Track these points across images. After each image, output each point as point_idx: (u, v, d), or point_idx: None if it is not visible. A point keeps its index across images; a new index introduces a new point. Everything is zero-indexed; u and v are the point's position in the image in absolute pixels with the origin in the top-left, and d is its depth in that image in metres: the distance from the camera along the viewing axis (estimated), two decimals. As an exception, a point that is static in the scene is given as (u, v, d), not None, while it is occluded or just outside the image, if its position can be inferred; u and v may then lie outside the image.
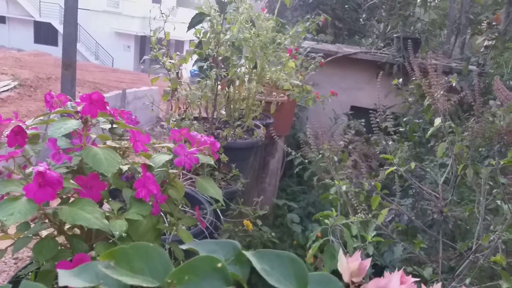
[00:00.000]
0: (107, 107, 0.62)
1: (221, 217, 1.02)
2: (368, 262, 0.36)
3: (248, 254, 0.36)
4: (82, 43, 16.60)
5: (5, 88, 7.52)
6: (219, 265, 0.32)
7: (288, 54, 2.41)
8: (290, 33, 2.08)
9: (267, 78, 1.79)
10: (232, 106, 1.40)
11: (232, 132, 1.33)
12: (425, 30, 3.70)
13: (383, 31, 5.02)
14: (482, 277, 0.97)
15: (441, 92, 1.22)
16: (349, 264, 0.35)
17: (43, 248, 0.55)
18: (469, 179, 1.20)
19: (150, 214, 0.66)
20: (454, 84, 1.29)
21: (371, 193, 1.10)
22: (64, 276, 0.31)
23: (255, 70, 1.35)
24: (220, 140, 1.27)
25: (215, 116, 1.27)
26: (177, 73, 1.20)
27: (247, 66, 1.31)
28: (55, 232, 0.59)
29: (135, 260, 0.32)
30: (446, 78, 1.50)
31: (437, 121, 1.15)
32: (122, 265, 0.32)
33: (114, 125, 0.68)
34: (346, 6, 7.18)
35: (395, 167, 1.12)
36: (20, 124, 0.62)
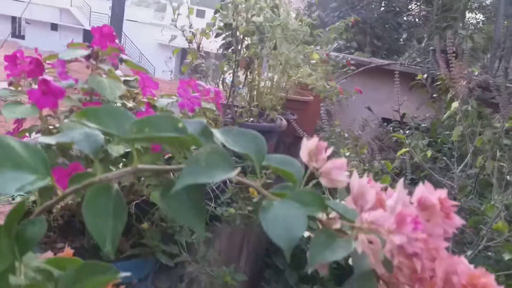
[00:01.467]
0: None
1: (228, 182, 1.04)
2: (325, 144, 0.37)
3: (214, 130, 0.37)
4: (126, 52, 17.30)
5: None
6: (180, 125, 0.34)
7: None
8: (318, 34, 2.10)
9: (291, 74, 1.81)
10: (251, 88, 1.43)
11: (249, 113, 1.35)
12: (463, 44, 3.62)
13: (421, 46, 4.96)
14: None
15: (463, 83, 1.20)
16: (307, 144, 0.36)
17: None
18: (488, 172, 1.16)
19: (150, 150, 0.69)
20: (476, 73, 1.26)
21: (381, 176, 1.09)
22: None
23: (274, 51, 1.38)
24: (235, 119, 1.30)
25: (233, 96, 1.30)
26: (198, 46, 1.24)
27: (268, 47, 1.34)
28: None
29: (105, 118, 0.35)
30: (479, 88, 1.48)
31: (454, 104, 1.12)
32: (93, 120, 0.35)
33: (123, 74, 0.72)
34: (386, 26, 7.13)
35: (407, 149, 1.11)
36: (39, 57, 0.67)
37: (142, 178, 0.77)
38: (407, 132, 1.41)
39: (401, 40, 7.79)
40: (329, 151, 0.37)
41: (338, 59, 2.91)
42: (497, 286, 0.33)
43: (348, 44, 4.79)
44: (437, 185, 1.43)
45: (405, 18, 7.67)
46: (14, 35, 18.51)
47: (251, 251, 2.39)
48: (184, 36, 1.24)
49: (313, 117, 2.70)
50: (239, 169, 0.33)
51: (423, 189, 0.36)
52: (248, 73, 1.37)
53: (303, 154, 0.37)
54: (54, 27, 19.06)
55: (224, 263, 1.04)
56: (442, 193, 0.37)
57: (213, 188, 1.01)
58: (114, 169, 0.66)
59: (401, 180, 0.37)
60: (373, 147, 1.29)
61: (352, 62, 3.35)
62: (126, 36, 14.91)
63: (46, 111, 0.58)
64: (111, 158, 0.62)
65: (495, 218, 0.79)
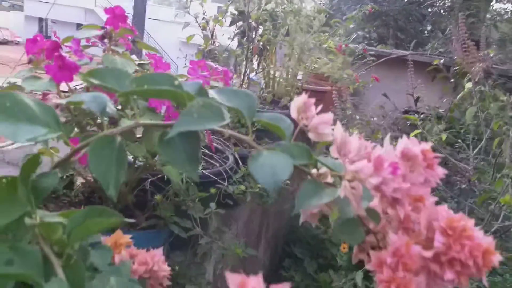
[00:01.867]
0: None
1: (240, 163, 1.07)
2: (313, 100, 0.39)
3: (209, 90, 0.40)
4: (149, 50, 17.58)
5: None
6: (176, 82, 0.37)
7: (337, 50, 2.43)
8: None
9: (307, 63, 1.82)
10: (265, 75, 1.45)
11: (262, 99, 1.38)
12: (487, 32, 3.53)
13: (444, 36, 4.86)
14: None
15: (478, 64, 1.19)
16: (296, 101, 0.39)
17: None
18: (505, 154, 1.15)
19: (150, 110, 0.73)
20: (492, 55, 1.24)
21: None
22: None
23: (287, 38, 1.39)
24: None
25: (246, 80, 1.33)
26: (212, 33, 1.28)
27: (281, 34, 1.36)
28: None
29: (109, 78, 0.38)
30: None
31: (468, 85, 1.12)
32: (97, 78, 0.38)
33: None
34: (410, 18, 6.99)
35: (420, 130, 1.11)
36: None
37: (157, 157, 0.81)
38: (422, 116, 1.40)
39: (425, 32, 7.62)
40: (318, 109, 0.39)
41: (357, 50, 2.89)
42: (475, 228, 0.35)
43: (368, 35, 4.75)
44: (453, 169, 1.42)
45: (429, 10, 7.50)
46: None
47: (269, 241, 2.42)
48: (197, 22, 1.28)
49: (330, 108, 2.71)
50: (229, 120, 0.36)
51: (407, 142, 0.38)
52: (262, 60, 1.39)
53: (293, 111, 0.39)
54: (79, 27, 19.54)
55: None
56: (425, 145, 0.39)
57: (226, 169, 1.04)
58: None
59: (388, 136, 0.39)
60: (387, 132, 1.29)
61: (371, 53, 3.32)
62: (148, 34, 15.15)
63: (62, 87, 0.62)
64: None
65: (504, 192, 0.79)
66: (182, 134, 0.36)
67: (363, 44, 2.91)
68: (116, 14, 0.68)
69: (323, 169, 0.41)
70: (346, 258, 2.19)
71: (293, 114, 0.39)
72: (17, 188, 0.37)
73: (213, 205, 0.87)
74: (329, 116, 0.38)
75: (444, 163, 1.53)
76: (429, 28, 7.79)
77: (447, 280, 0.34)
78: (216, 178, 1.00)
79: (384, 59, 4.09)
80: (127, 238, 0.53)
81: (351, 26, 3.03)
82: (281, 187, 0.34)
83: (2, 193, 0.37)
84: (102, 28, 0.69)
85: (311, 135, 0.39)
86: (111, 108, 0.43)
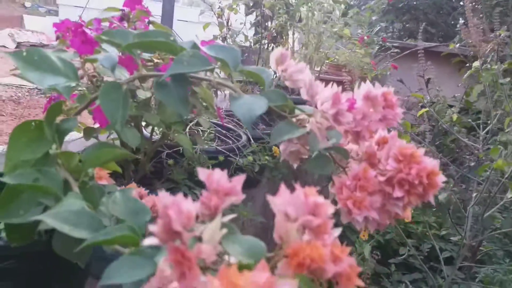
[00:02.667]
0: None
1: (252, 140, 1.14)
2: (288, 52, 0.45)
3: (201, 46, 0.47)
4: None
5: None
6: (172, 38, 0.45)
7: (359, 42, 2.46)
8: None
9: (323, 52, 1.87)
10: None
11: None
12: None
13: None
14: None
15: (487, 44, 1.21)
16: (274, 53, 0.45)
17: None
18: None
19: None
20: (502, 35, 1.25)
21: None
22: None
23: (300, 24, 1.45)
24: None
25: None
26: (227, 21, 1.35)
27: (294, 19, 1.41)
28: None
29: (116, 36, 0.46)
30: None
31: (475, 64, 1.13)
32: (107, 35, 0.46)
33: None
34: (440, 12, 6.83)
35: (427, 108, 1.14)
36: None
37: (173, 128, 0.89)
38: (435, 100, 1.42)
39: (457, 26, 7.42)
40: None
41: (378, 41, 2.90)
42: (423, 156, 0.40)
43: (390, 26, 4.69)
44: (465, 150, 1.44)
45: (461, 3, 7.30)
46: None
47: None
48: (212, 10, 1.35)
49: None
50: (215, 67, 0.43)
51: (370, 86, 0.44)
52: (276, 47, 1.45)
53: (272, 62, 0.46)
54: (112, 30, 20.21)
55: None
56: (387, 89, 0.44)
57: (239, 146, 1.11)
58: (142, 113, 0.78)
59: (357, 81, 0.45)
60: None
61: (395, 44, 3.31)
62: (177, 36, 15.51)
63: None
64: (139, 101, 0.74)
65: (497, 158, 0.81)
66: (174, 79, 0.43)
67: (382, 35, 2.91)
68: (135, 3, 0.76)
69: (301, 116, 0.47)
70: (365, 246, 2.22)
71: (272, 65, 0.46)
72: (44, 129, 0.46)
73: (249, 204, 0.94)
74: (302, 65, 0.45)
75: (455, 144, 1.55)
76: (461, 21, 7.59)
77: (396, 198, 0.40)
78: (228, 153, 1.07)
79: (408, 51, 4.06)
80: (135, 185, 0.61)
81: (373, 18, 3.04)
82: (255, 121, 0.41)
83: (32, 134, 0.46)
84: (121, 10, 0.78)
85: (287, 83, 0.46)
86: (122, 74, 0.51)
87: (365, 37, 2.63)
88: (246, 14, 1.42)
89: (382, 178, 0.41)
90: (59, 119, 0.47)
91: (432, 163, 0.40)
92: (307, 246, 0.27)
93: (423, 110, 1.18)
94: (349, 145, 0.48)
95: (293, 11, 1.33)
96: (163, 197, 0.23)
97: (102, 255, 0.53)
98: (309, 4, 1.42)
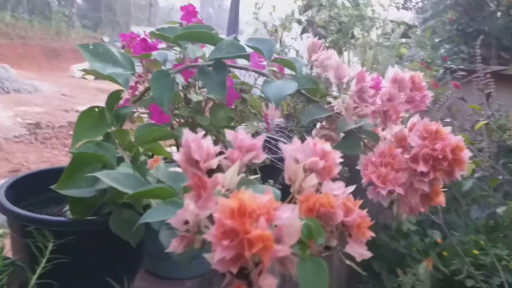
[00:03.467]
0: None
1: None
2: (320, 41, 0.48)
3: (240, 40, 0.52)
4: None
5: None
6: (213, 32, 0.50)
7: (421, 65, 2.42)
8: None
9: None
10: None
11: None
12: None
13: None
14: None
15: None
16: (306, 42, 0.49)
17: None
18: None
19: (225, 105, 0.86)
20: None
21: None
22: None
23: (352, 40, 1.46)
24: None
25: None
26: (280, 39, 1.41)
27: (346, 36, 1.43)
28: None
29: (167, 31, 0.52)
30: None
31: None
32: (160, 30, 0.52)
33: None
34: (516, 37, 6.47)
35: (486, 121, 1.09)
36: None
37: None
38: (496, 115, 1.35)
39: (535, 51, 6.98)
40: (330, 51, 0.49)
41: (440, 63, 2.82)
42: (448, 133, 0.41)
43: (456, 48, 4.52)
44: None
45: (537, 26, 6.89)
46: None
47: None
48: (266, 29, 1.42)
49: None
50: (251, 51, 0.47)
51: (398, 69, 0.46)
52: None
53: (304, 51, 0.49)
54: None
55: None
56: (416, 73, 0.46)
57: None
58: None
59: (389, 66, 0.47)
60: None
61: (461, 66, 3.19)
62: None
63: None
64: (192, 104, 0.81)
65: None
66: (215, 67, 0.48)
67: (444, 56, 2.82)
68: (188, 11, 0.84)
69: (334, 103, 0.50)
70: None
71: (304, 53, 0.49)
72: (105, 114, 0.53)
73: (271, 181, 0.97)
74: (331, 52, 0.48)
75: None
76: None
77: (421, 173, 0.41)
78: (276, 162, 1.10)
79: (475, 75, 3.88)
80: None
81: (436, 40, 2.98)
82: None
83: (95, 118, 0.53)
84: (179, 23, 0.86)
85: (318, 70, 0.49)
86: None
87: (426, 60, 2.58)
88: (301, 34, 1.48)
89: (407, 156, 0.42)
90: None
91: (456, 138, 0.40)
92: (318, 195, 0.30)
93: (482, 122, 1.14)
94: (380, 132, 0.49)
95: (345, 28, 1.36)
96: (187, 133, 0.27)
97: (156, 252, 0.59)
98: (364, 23, 1.44)
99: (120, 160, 0.48)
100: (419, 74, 0.45)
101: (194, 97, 0.83)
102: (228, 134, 0.35)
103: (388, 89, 0.44)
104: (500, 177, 1.10)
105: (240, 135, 0.35)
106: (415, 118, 0.47)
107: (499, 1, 5.24)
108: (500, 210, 0.89)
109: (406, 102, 0.44)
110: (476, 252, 1.98)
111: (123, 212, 0.50)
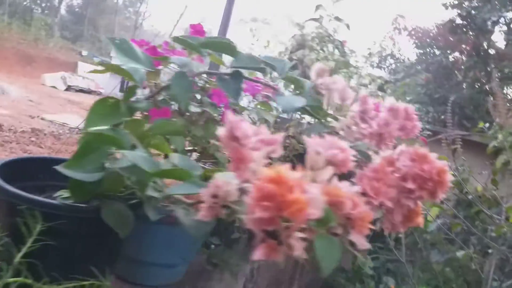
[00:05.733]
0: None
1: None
2: (326, 67, 0.54)
3: (256, 56, 0.58)
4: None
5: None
6: (232, 44, 0.55)
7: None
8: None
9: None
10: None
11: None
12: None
13: None
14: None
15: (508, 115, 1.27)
16: (315, 67, 0.54)
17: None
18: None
19: (219, 121, 0.91)
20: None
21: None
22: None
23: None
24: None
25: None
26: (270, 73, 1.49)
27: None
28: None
29: (188, 39, 0.57)
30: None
31: (500, 136, 1.19)
32: (183, 37, 0.57)
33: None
34: (478, 108, 6.88)
35: (451, 172, 1.18)
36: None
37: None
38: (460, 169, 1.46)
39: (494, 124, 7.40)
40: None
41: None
42: (434, 156, 0.47)
43: (424, 109, 4.80)
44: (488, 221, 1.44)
45: (501, 101, 7.34)
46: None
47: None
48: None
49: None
50: (263, 66, 0.53)
51: (394, 101, 0.52)
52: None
53: (312, 74, 0.55)
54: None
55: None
56: (410, 106, 0.52)
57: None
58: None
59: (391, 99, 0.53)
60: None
61: (428, 126, 3.39)
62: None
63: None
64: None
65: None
66: (232, 76, 0.53)
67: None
68: (197, 29, 0.90)
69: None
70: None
71: (312, 76, 0.55)
72: (119, 106, 0.56)
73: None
74: (336, 77, 0.54)
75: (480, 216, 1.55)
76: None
77: (409, 190, 0.46)
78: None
79: (439, 136, 4.14)
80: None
81: (408, 98, 3.15)
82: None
83: (108, 108, 0.56)
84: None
85: (323, 91, 0.54)
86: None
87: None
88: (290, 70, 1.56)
89: (397, 174, 0.47)
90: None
91: (441, 163, 0.46)
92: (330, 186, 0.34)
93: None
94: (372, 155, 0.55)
95: (331, 72, 1.45)
96: (229, 115, 0.31)
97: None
98: (346, 71, 1.55)
99: (133, 147, 0.50)
100: (412, 107, 0.52)
101: (193, 108, 0.87)
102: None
103: (385, 115, 0.50)
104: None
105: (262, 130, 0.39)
106: (403, 147, 0.53)
107: (466, 74, 5.64)
108: (459, 254, 0.96)
109: (399, 129, 0.50)
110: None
111: (114, 204, 0.52)
